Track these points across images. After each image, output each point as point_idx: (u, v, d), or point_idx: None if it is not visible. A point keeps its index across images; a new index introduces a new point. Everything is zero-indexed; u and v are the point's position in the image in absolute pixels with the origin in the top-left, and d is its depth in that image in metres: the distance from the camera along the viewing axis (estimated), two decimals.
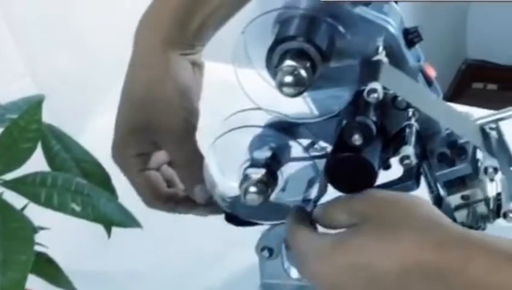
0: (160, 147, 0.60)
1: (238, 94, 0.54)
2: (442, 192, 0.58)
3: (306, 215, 0.53)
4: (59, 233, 0.53)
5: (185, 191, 0.61)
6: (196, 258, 0.74)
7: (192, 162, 0.58)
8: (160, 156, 0.62)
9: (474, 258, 0.44)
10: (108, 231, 0.46)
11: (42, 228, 0.48)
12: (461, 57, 2.12)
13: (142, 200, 0.61)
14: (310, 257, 0.48)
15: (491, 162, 0.54)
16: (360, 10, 0.55)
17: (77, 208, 0.42)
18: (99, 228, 0.46)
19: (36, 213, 0.46)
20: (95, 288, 0.67)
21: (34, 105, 0.44)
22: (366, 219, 0.47)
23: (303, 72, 0.50)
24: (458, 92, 2.08)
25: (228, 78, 0.53)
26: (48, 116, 0.51)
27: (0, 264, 0.37)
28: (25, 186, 0.42)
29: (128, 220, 0.44)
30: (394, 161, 0.56)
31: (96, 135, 0.55)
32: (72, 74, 0.99)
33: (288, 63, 0.50)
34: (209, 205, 0.60)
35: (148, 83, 0.59)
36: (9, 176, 0.42)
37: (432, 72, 0.59)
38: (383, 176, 0.57)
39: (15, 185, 0.42)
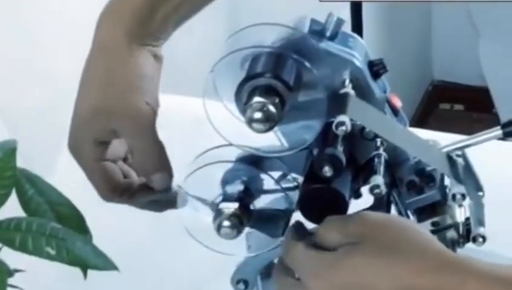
0: (119, 134, 0.58)
1: (210, 128, 0.55)
2: (412, 219, 0.59)
3: (304, 231, 0.54)
4: (35, 275, 0.53)
5: (142, 181, 0.61)
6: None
7: (152, 148, 0.58)
8: (116, 149, 0.61)
9: (468, 283, 0.45)
10: (84, 273, 0.46)
11: (17, 271, 0.48)
12: (427, 79, 2.16)
13: (98, 192, 0.59)
14: (306, 274, 0.49)
15: (458, 188, 0.56)
16: (325, 45, 0.57)
17: (52, 252, 0.42)
18: (75, 269, 0.46)
19: (13, 255, 0.46)
20: None
21: (8, 152, 0.44)
22: (360, 240, 0.48)
23: (272, 108, 0.51)
24: (426, 113, 2.11)
25: (200, 112, 0.54)
26: (19, 153, 0.51)
27: None
28: (0, 231, 0.42)
29: (104, 263, 0.45)
30: (365, 189, 0.57)
31: (68, 171, 0.55)
32: (42, 111, 0.99)
33: (257, 99, 0.51)
34: (166, 194, 0.59)
35: (109, 69, 0.59)
36: None
37: (397, 102, 0.61)
38: (355, 205, 0.58)
39: None
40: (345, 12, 1.48)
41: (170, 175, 0.59)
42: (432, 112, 2.12)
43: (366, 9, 1.53)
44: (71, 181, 0.59)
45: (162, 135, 0.61)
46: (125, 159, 0.62)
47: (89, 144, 0.58)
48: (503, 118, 1.91)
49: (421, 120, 2.06)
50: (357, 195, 0.60)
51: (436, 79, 2.15)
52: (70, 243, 0.43)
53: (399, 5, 1.90)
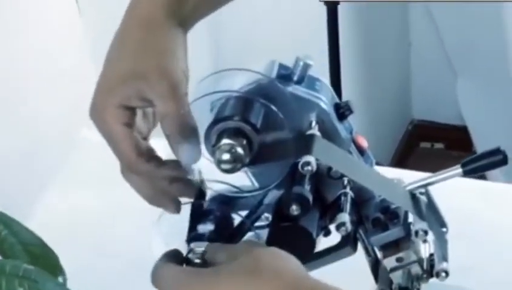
0: (151, 98, 0.56)
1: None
2: (378, 255, 0.61)
3: (177, 254, 0.54)
4: None
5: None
6: None
7: (184, 114, 0.56)
8: (140, 128, 0.59)
9: None
10: None
11: None
12: (408, 118, 2.19)
13: (122, 159, 0.57)
14: (167, 284, 0.49)
15: (421, 225, 0.58)
16: (293, 88, 0.59)
17: None
18: None
19: None
20: None
21: None
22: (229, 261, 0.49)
23: (240, 150, 0.54)
24: (406, 152, 2.14)
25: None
26: None
27: None
28: None
29: None
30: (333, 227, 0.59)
31: (44, 217, 0.56)
32: (19, 156, 1.00)
33: (226, 141, 0.53)
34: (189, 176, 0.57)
35: (144, 38, 0.58)
36: None
37: (363, 142, 0.63)
38: (325, 242, 0.60)
39: None
40: (323, 50, 1.52)
41: (199, 149, 0.56)
42: (413, 150, 2.15)
43: (344, 49, 1.56)
44: (47, 226, 0.60)
45: None
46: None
47: (116, 107, 0.56)
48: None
49: (401, 159, 2.09)
50: (326, 232, 0.62)
51: (416, 118, 2.19)
52: (42, 285, 0.44)
53: (378, 45, 1.94)
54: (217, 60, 1.50)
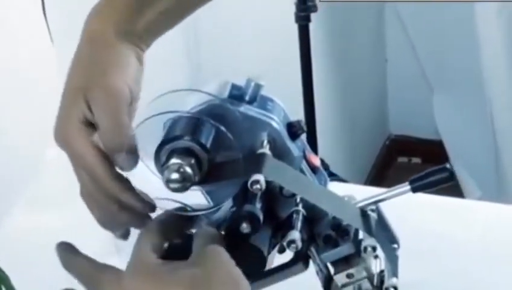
0: (92, 108, 0.57)
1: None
2: (330, 271, 0.62)
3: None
4: None
5: None
6: None
7: (119, 126, 0.57)
8: None
9: None
10: None
11: None
12: (385, 133, 2.21)
13: (94, 171, 0.57)
14: (134, 264, 0.53)
15: (370, 241, 0.59)
16: (244, 108, 0.60)
17: None
18: None
19: None
20: None
21: None
22: (195, 260, 0.53)
23: (188, 169, 0.55)
24: (384, 166, 2.15)
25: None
26: None
27: None
28: None
29: None
30: None
31: (8, 237, 0.57)
32: None
33: (174, 161, 0.55)
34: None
35: (93, 54, 0.60)
36: None
37: (316, 161, 0.64)
38: (280, 259, 0.61)
39: None
40: (297, 68, 1.53)
41: (135, 158, 0.57)
42: (390, 165, 2.17)
43: (319, 66, 1.58)
44: (8, 247, 0.60)
45: None
46: None
47: (76, 123, 0.57)
48: (457, 169, 1.96)
49: (379, 173, 2.11)
50: (281, 249, 0.63)
51: (394, 133, 2.21)
52: None
53: (354, 61, 1.97)
54: (196, 78, 1.51)
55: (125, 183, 0.58)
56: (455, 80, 1.97)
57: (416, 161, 2.17)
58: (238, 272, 0.52)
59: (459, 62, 1.92)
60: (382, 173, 2.11)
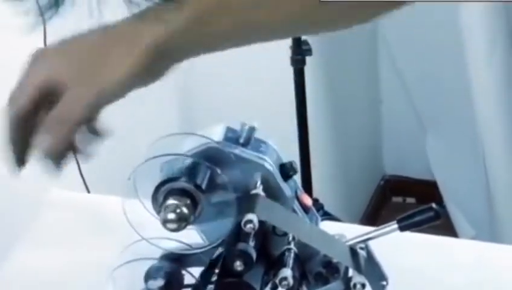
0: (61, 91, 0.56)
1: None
2: None
3: None
4: None
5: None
6: None
7: (64, 123, 0.56)
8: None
9: None
10: None
11: None
12: (380, 173, 2.24)
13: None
14: None
15: (359, 278, 0.61)
16: (239, 151, 0.63)
17: None
18: None
19: None
20: None
21: None
22: None
23: (184, 209, 0.57)
24: (378, 206, 2.17)
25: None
26: None
27: None
28: None
29: None
30: None
31: (11, 274, 0.59)
32: None
33: (171, 201, 0.57)
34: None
35: (103, 43, 0.57)
36: None
37: (307, 201, 0.67)
38: None
39: None
40: (291, 109, 1.56)
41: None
42: (385, 205, 2.19)
43: (313, 107, 1.61)
44: (14, 284, 0.62)
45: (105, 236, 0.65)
46: None
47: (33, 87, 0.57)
48: (451, 210, 1.98)
49: (374, 213, 2.12)
50: (273, 287, 0.65)
51: (388, 173, 2.23)
52: None
53: (348, 102, 2.00)
54: (189, 120, 1.54)
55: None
56: (448, 122, 2.01)
57: (411, 200, 2.19)
58: None
59: (453, 104, 1.96)
60: (376, 213, 2.13)
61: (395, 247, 0.71)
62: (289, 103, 1.55)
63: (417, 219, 0.64)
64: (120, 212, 0.63)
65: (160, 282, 0.62)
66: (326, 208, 1.65)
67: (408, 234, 0.86)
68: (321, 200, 1.62)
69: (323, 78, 1.81)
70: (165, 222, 0.57)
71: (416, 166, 2.16)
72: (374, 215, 2.11)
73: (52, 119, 0.56)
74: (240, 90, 1.63)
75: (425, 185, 2.11)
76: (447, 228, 1.94)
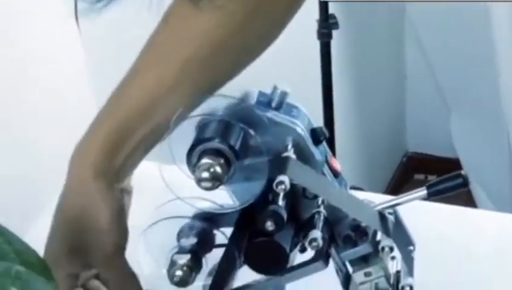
0: (92, 267, 0.65)
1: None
2: (349, 270, 0.65)
3: None
4: None
5: None
6: None
7: (122, 278, 0.64)
8: (88, 272, 0.67)
9: None
10: None
11: None
12: (402, 150, 2.24)
13: None
14: None
15: (387, 242, 0.62)
16: (271, 114, 0.64)
17: None
18: None
19: None
20: None
21: None
22: None
23: (218, 169, 0.58)
24: (401, 183, 2.18)
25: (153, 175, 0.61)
26: None
27: None
28: None
29: None
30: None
31: (38, 239, 0.60)
32: (20, 179, 1.05)
33: (205, 161, 0.58)
34: None
35: (80, 210, 0.63)
36: None
37: (337, 165, 0.68)
38: (301, 258, 0.64)
39: None
40: (317, 84, 1.57)
41: None
42: (407, 182, 2.19)
43: (338, 81, 1.61)
44: (40, 247, 0.64)
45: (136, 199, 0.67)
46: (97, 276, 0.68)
47: (62, 277, 0.64)
48: (473, 187, 1.98)
49: (395, 190, 2.13)
50: (302, 249, 0.66)
51: (410, 151, 2.23)
52: (33, 285, 0.49)
53: (373, 78, 2.00)
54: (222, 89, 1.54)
55: None
56: (472, 99, 2.00)
57: (433, 178, 2.18)
58: None
59: (477, 82, 1.95)
60: (398, 190, 2.13)
61: (419, 216, 0.72)
62: (315, 77, 1.55)
63: (445, 185, 0.65)
64: (152, 175, 0.64)
65: (192, 240, 0.63)
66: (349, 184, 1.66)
67: (432, 204, 0.87)
68: (344, 176, 1.63)
69: (349, 52, 1.81)
70: (199, 180, 0.58)
71: (439, 143, 2.17)
72: (395, 193, 2.10)
73: None
74: (265, 64, 1.63)
75: (447, 163, 2.12)
76: (469, 205, 1.93)
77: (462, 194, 0.71)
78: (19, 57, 1.10)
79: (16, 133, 1.08)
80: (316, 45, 1.52)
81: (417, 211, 0.67)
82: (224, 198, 0.66)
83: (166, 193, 0.62)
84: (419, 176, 2.22)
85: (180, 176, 0.61)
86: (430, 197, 0.65)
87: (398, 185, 2.16)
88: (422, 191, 0.65)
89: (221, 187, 0.62)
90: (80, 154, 0.64)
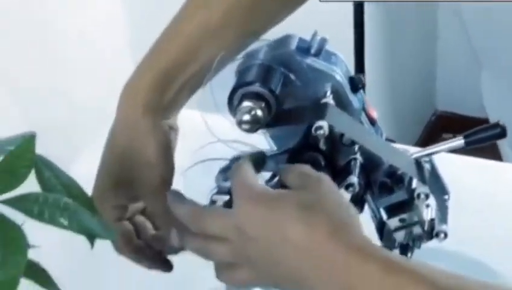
0: (139, 199, 0.67)
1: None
2: (383, 216, 0.66)
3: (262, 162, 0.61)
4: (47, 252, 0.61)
5: (156, 238, 0.68)
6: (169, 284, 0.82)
7: (168, 211, 0.63)
8: (135, 206, 0.69)
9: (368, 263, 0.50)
10: (91, 243, 0.53)
11: (32, 246, 0.55)
12: (431, 109, 2.23)
13: (114, 247, 0.67)
14: (241, 193, 0.56)
15: (423, 188, 0.63)
16: (310, 60, 0.64)
17: (65, 222, 0.49)
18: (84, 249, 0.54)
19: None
20: None
21: (28, 138, 0.52)
22: (301, 187, 0.55)
23: (259, 112, 0.59)
24: (429, 142, 2.17)
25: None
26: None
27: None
28: (21, 203, 0.49)
29: (107, 233, 0.52)
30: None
31: (80, 176, 0.62)
32: (57, 125, 1.08)
33: (246, 104, 0.59)
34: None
35: (129, 143, 0.65)
36: (7, 196, 0.50)
37: (374, 113, 0.68)
38: None
39: (12, 202, 0.50)
40: (349, 40, 1.56)
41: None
42: (435, 141, 2.17)
43: (370, 38, 1.61)
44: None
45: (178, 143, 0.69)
46: (143, 211, 0.70)
47: (110, 208, 0.66)
48: (502, 149, 1.97)
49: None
50: None
51: (440, 109, 2.22)
52: (80, 215, 0.50)
53: (405, 36, 1.98)
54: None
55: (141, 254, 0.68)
56: (504, 59, 1.98)
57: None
58: (347, 198, 0.57)
59: (510, 41, 1.93)
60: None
61: (452, 168, 0.72)
62: (347, 37, 1.55)
63: (483, 135, 0.65)
64: (193, 122, 0.65)
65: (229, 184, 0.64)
66: None
67: (463, 157, 0.88)
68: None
69: (381, 10, 1.80)
70: (240, 123, 0.59)
71: (468, 103, 2.15)
72: None
73: None
74: (296, 24, 1.63)
75: (477, 123, 2.08)
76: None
77: (490, 153, 0.72)
78: (56, 9, 1.11)
79: (54, 84, 1.11)
80: (349, 6, 1.52)
81: (447, 163, 0.68)
82: (263, 143, 0.67)
83: (207, 138, 0.64)
84: (448, 135, 2.20)
85: (221, 122, 0.62)
86: (468, 146, 0.66)
87: (425, 144, 2.14)
88: (460, 141, 0.66)
89: (260, 132, 0.63)
90: (130, 91, 0.66)
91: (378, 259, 0.50)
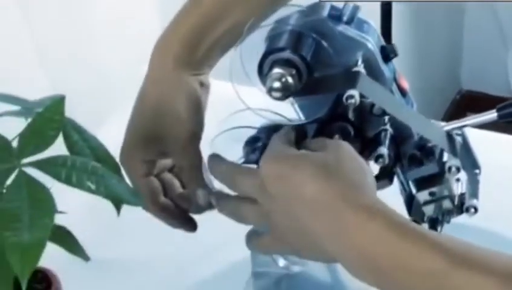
0: (167, 155, 0.66)
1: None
2: (413, 189, 0.65)
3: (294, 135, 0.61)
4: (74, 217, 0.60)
5: (185, 195, 0.68)
6: (195, 251, 0.82)
7: (197, 167, 0.65)
8: (162, 163, 0.68)
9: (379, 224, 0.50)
10: (118, 209, 0.53)
11: (60, 212, 0.55)
12: (456, 88, 2.20)
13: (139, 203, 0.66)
14: (267, 153, 0.57)
15: (454, 161, 0.62)
16: (342, 28, 0.63)
17: (92, 186, 0.49)
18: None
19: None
20: (102, 271, 0.76)
21: (57, 100, 0.51)
22: (321, 149, 0.56)
23: (289, 79, 0.58)
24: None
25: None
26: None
27: (27, 226, 0.45)
28: (49, 166, 0.49)
29: (135, 199, 0.51)
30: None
31: (107, 142, 0.62)
32: (86, 89, 1.07)
33: (277, 70, 0.58)
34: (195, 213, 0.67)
35: (159, 97, 0.65)
36: (36, 158, 0.50)
37: (405, 84, 0.67)
38: None
39: (40, 165, 0.49)
40: (375, 13, 1.54)
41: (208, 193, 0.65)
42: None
43: (397, 17, 1.58)
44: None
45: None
46: (171, 169, 0.69)
47: (138, 162, 0.65)
48: None
49: None
50: None
51: (465, 88, 2.19)
52: (108, 180, 0.50)
53: (432, 11, 1.95)
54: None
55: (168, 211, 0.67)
56: None
57: None
58: (365, 162, 0.56)
59: None
60: None
61: (483, 144, 0.71)
62: (375, 13, 1.53)
63: None
64: (222, 91, 0.64)
65: (257, 154, 0.63)
66: None
67: (495, 134, 0.86)
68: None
69: None
70: (270, 90, 0.58)
71: (494, 82, 2.12)
72: None
73: None
74: None
75: (502, 102, 2.07)
76: None
77: None
78: None
79: (82, 49, 1.10)
80: None
81: (479, 139, 0.66)
82: (292, 113, 0.65)
83: (235, 109, 0.63)
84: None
85: (249, 93, 0.61)
86: (500, 119, 0.64)
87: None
88: (492, 114, 0.64)
89: (288, 101, 0.62)
90: (162, 46, 0.66)
91: (384, 217, 0.50)
